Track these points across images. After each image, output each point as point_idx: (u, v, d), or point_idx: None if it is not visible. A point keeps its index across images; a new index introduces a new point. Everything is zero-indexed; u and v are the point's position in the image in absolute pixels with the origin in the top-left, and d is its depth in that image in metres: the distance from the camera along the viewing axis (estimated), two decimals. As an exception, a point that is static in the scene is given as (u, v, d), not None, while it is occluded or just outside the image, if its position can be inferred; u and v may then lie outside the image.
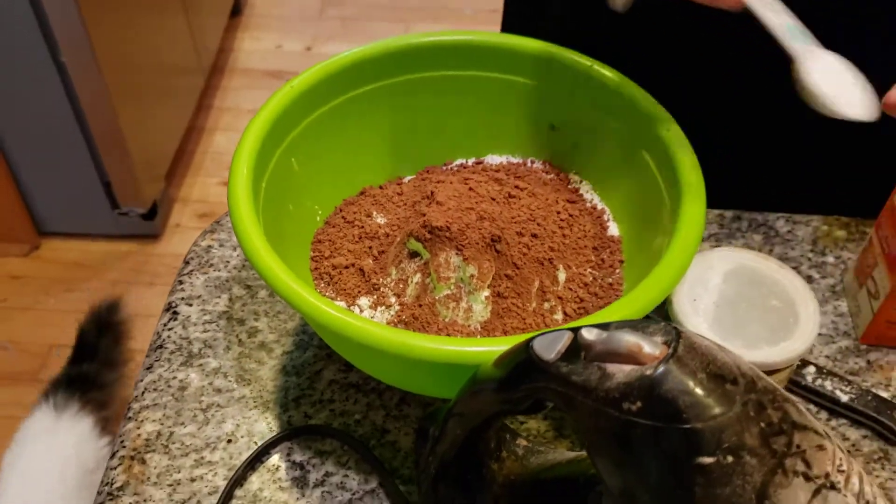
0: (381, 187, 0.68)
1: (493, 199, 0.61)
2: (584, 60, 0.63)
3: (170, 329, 0.65)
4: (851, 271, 0.67)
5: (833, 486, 0.35)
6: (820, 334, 0.65)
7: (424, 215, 0.58)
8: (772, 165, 0.77)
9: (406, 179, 0.69)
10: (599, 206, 0.66)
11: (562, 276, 0.60)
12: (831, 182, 0.73)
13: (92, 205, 1.85)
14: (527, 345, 0.40)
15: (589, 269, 0.61)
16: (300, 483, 0.57)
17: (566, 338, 0.39)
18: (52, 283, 1.88)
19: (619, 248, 0.63)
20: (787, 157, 0.77)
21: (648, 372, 0.35)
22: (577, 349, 0.38)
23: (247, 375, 0.62)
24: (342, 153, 0.66)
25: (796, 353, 0.50)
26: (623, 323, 0.38)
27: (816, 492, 0.35)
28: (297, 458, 0.58)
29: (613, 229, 0.64)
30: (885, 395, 0.60)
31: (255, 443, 0.59)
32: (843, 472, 0.36)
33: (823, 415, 0.60)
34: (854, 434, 0.59)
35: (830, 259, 0.70)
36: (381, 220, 0.64)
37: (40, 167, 1.76)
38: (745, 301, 0.52)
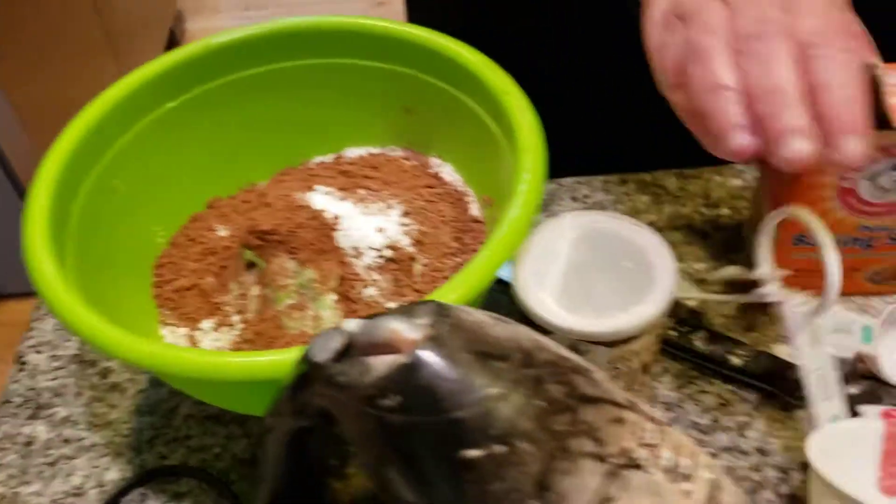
0: (230, 197, 0.63)
1: (335, 193, 0.56)
2: (423, 32, 0.58)
3: (16, 381, 0.60)
4: (748, 221, 0.63)
5: (634, 464, 0.30)
6: (717, 292, 0.59)
7: (252, 220, 0.53)
8: (655, 124, 0.72)
9: (259, 185, 0.64)
10: (461, 188, 0.61)
11: (418, 267, 0.55)
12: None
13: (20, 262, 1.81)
14: (307, 348, 0.35)
15: (448, 257, 0.56)
16: (155, 530, 0.52)
17: (340, 335, 0.34)
18: (4, 347, 1.84)
19: (482, 229, 0.58)
20: (668, 114, 0.72)
21: (403, 360, 0.30)
22: (351, 347, 0.33)
23: (98, 421, 0.57)
24: (180, 166, 0.61)
25: (648, 317, 0.45)
26: (395, 309, 0.33)
27: (611, 473, 0.29)
28: (152, 503, 0.53)
29: (475, 210, 0.59)
30: (785, 349, 0.55)
31: (107, 493, 0.54)
32: (649, 446, 0.31)
33: (719, 381, 0.55)
34: (753, 396, 0.54)
35: (725, 211, 0.65)
36: (223, 232, 0.59)
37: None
38: (596, 266, 0.47)
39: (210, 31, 2.38)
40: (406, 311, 0.32)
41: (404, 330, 0.31)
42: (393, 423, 0.30)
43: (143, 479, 0.54)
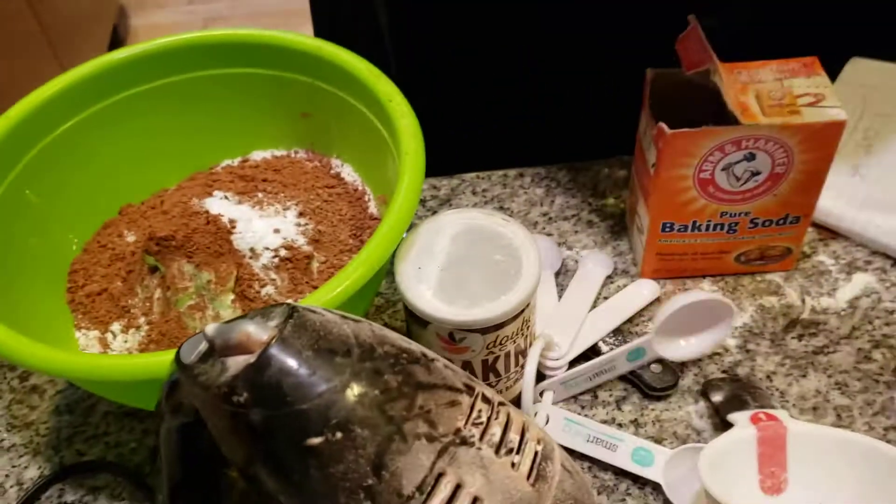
0: (141, 203, 0.66)
1: (231, 197, 0.59)
2: (313, 42, 0.62)
3: (-62, 387, 0.63)
4: (627, 210, 0.67)
5: (464, 442, 0.34)
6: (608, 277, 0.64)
7: (151, 227, 0.56)
8: (554, 119, 0.77)
9: (170, 191, 0.67)
10: (360, 188, 0.64)
11: (315, 265, 0.58)
12: (610, 125, 0.73)
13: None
14: (178, 349, 0.39)
15: (345, 254, 0.59)
16: (72, 523, 0.55)
17: (204, 338, 0.37)
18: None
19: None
20: (567, 108, 0.76)
21: (252, 359, 0.33)
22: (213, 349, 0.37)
23: (17, 422, 0.60)
24: (92, 175, 0.63)
25: (515, 305, 0.49)
26: (253, 312, 0.37)
27: (442, 451, 0.33)
28: (69, 498, 0.56)
29: (373, 208, 0.63)
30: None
31: (26, 490, 0.57)
32: (479, 424, 0.35)
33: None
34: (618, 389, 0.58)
35: (611, 200, 0.69)
36: (130, 238, 0.62)
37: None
38: (471, 260, 0.51)
39: (155, 27, 2.36)
40: (262, 314, 0.36)
41: (255, 332, 0.34)
42: (250, 419, 0.33)
43: (60, 475, 0.57)
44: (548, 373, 0.57)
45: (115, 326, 0.58)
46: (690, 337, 0.56)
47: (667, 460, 0.52)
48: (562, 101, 0.76)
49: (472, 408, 0.35)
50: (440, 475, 0.33)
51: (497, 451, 0.35)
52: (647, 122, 0.57)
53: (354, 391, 0.33)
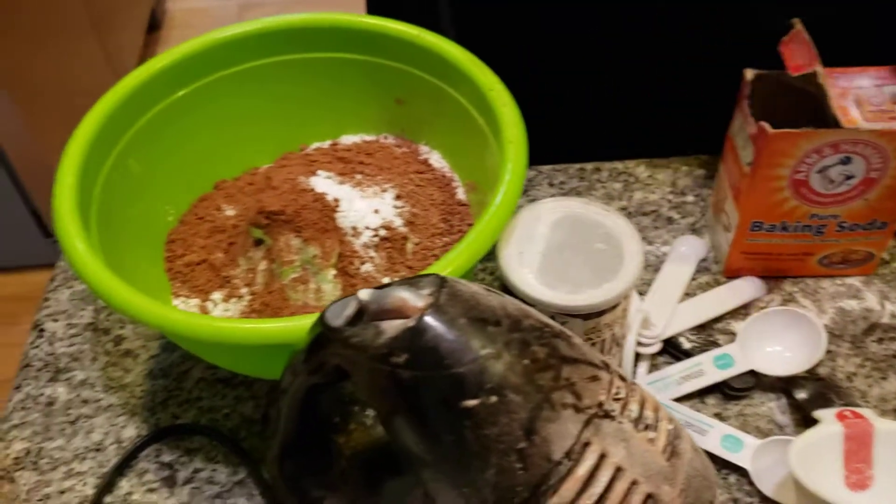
0: (235, 179, 0.68)
1: (334, 177, 0.61)
2: (412, 30, 0.63)
3: (36, 347, 0.65)
4: (710, 208, 0.68)
5: (607, 415, 0.36)
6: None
7: (260, 202, 0.58)
8: (630, 115, 0.78)
9: (262, 169, 0.68)
10: (448, 174, 0.66)
11: (410, 246, 0.60)
12: (689, 124, 0.74)
13: (24, 236, 1.83)
14: (323, 313, 0.40)
15: (437, 237, 0.61)
16: (169, 482, 0.57)
17: (354, 303, 0.39)
18: (-4, 318, 1.87)
19: (467, 212, 0.63)
20: (645, 105, 0.77)
21: (411, 324, 0.35)
22: (363, 313, 0.39)
23: (114, 384, 0.62)
24: (189, 150, 0.65)
25: (618, 293, 0.50)
26: (400, 281, 0.38)
27: (588, 422, 0.35)
28: (166, 458, 0.58)
29: (461, 194, 0.64)
30: (736, 328, 0.61)
31: (125, 448, 0.59)
32: (619, 399, 0.36)
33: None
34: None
35: (690, 198, 0.71)
36: (230, 212, 0.64)
37: (-34, 204, 1.75)
38: (571, 248, 0.53)
39: (191, 11, 2.38)
40: (411, 283, 0.38)
41: (411, 298, 0.36)
42: (402, 377, 0.35)
43: (158, 435, 0.59)
44: (642, 350, 0.59)
45: (216, 295, 0.60)
46: (777, 346, 0.58)
47: (755, 449, 0.53)
48: (641, 97, 0.78)
49: (610, 384, 0.37)
50: (586, 444, 0.35)
51: (636, 426, 0.36)
52: (743, 120, 0.58)
53: (506, 359, 0.35)
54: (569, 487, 0.34)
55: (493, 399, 0.34)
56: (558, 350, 0.36)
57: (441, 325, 0.35)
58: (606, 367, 0.38)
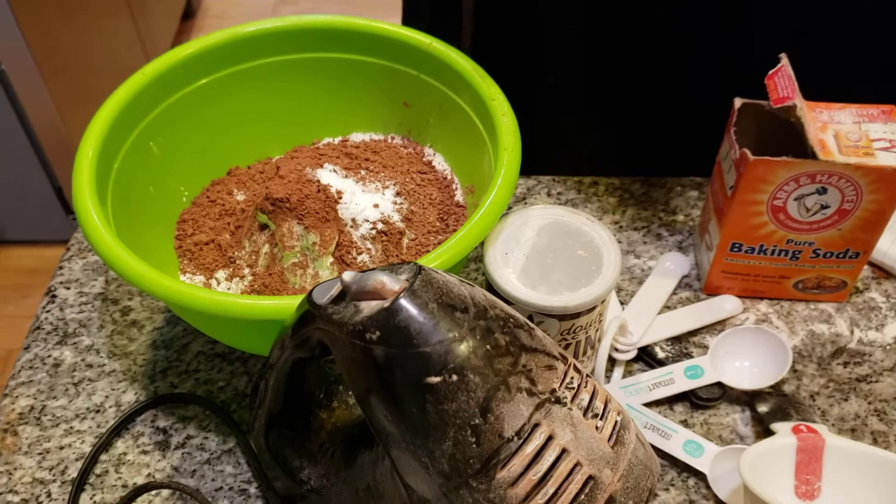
0: (248, 167, 0.72)
1: (339, 171, 0.65)
2: (425, 39, 0.67)
3: (47, 311, 0.69)
4: (697, 227, 0.71)
5: (558, 401, 0.39)
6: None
7: (268, 189, 0.62)
8: (632, 135, 0.81)
9: (274, 159, 0.72)
10: (449, 176, 0.69)
11: (405, 241, 0.64)
12: (686, 147, 0.77)
13: (45, 211, 1.88)
14: (310, 292, 0.44)
15: (432, 234, 0.65)
16: (162, 446, 0.61)
17: (338, 284, 0.43)
18: (10, 290, 1.91)
19: (463, 213, 0.67)
20: (646, 127, 0.81)
21: (386, 304, 0.39)
22: (346, 293, 0.42)
23: (118, 351, 0.66)
24: (206, 136, 0.69)
25: (594, 297, 0.53)
26: (382, 267, 0.42)
27: (539, 405, 0.38)
28: (161, 423, 0.62)
29: (460, 196, 0.68)
30: (710, 342, 0.64)
31: (123, 412, 0.62)
32: (571, 388, 0.40)
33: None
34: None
35: (680, 217, 0.74)
36: (240, 197, 0.67)
37: (-10, 176, 1.79)
38: (554, 252, 0.56)
39: (225, 1, 2.42)
40: (391, 268, 0.41)
41: (389, 282, 0.39)
42: (375, 353, 0.39)
43: (155, 402, 0.63)
44: (617, 355, 0.62)
45: (220, 274, 0.63)
46: (745, 362, 0.61)
47: (714, 455, 0.56)
48: (642, 118, 0.81)
49: (565, 374, 0.40)
50: (536, 425, 0.38)
51: (584, 414, 0.40)
52: (729, 146, 0.61)
53: (469, 343, 0.38)
54: (517, 463, 0.37)
55: (455, 378, 0.38)
56: (519, 339, 0.40)
57: (413, 308, 0.38)
58: (563, 358, 0.41)
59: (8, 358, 1.80)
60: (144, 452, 0.60)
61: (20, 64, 1.60)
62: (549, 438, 0.38)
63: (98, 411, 0.63)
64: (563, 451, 0.38)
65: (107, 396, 0.63)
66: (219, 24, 2.54)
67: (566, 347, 0.57)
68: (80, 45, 1.81)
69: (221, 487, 0.58)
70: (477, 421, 0.37)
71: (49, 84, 1.65)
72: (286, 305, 0.50)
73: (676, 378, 0.61)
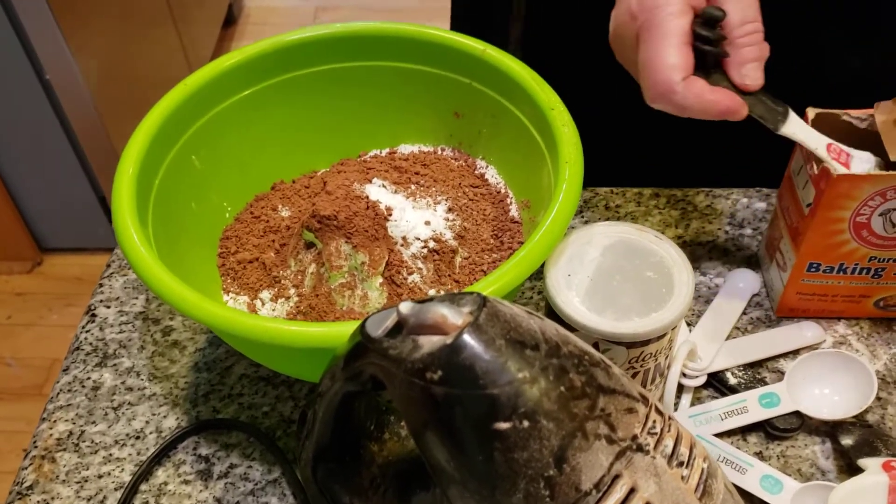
0: (292, 182, 0.69)
1: (388, 186, 0.61)
2: (478, 45, 0.63)
3: (87, 331, 0.66)
4: (763, 245, 0.67)
5: (640, 449, 0.35)
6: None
7: (314, 205, 0.58)
8: (694, 143, 0.77)
9: (319, 173, 0.69)
10: (503, 190, 0.66)
11: (458, 260, 0.60)
12: (753, 156, 0.73)
13: (89, 219, 1.88)
14: (363, 323, 0.40)
15: (486, 252, 0.61)
16: (204, 475, 0.58)
17: (394, 315, 0.39)
18: (54, 298, 1.91)
19: (519, 229, 0.63)
20: (707, 134, 0.76)
21: (448, 341, 0.35)
22: (402, 326, 0.39)
23: (158, 373, 0.63)
24: (249, 149, 0.66)
25: (665, 324, 0.49)
26: (441, 297, 0.38)
27: (620, 454, 0.35)
28: (203, 451, 0.59)
29: (514, 211, 0.64)
30: (785, 367, 0.60)
31: (164, 438, 0.59)
32: (654, 434, 0.36)
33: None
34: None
35: (748, 231, 0.70)
36: (285, 213, 0.64)
37: (36, 185, 1.79)
38: (621, 273, 0.52)
39: (266, 9, 2.42)
40: (452, 299, 0.38)
41: (450, 315, 0.36)
42: (436, 393, 0.35)
43: (197, 428, 0.60)
44: (686, 381, 0.58)
45: (265, 294, 0.60)
46: (825, 389, 0.56)
47: (795, 492, 0.52)
48: (703, 125, 0.77)
49: (647, 417, 0.36)
50: (616, 476, 0.34)
51: (669, 462, 0.36)
52: (804, 160, 0.57)
53: (542, 384, 0.35)
54: (595, 519, 0.34)
55: (526, 424, 0.34)
56: (596, 379, 0.36)
57: (478, 345, 0.35)
58: (644, 399, 0.37)
59: (51, 368, 1.80)
60: (186, 482, 0.57)
61: (64, 74, 1.59)
62: (632, 491, 0.34)
63: (138, 437, 0.60)
64: (647, 504, 0.34)
65: (147, 422, 0.61)
66: (260, 30, 2.53)
67: (634, 376, 0.53)
68: (123, 54, 1.81)
69: (267, 521, 0.55)
70: (551, 472, 0.34)
71: (93, 93, 1.64)
72: (336, 333, 0.47)
73: (750, 406, 0.57)
